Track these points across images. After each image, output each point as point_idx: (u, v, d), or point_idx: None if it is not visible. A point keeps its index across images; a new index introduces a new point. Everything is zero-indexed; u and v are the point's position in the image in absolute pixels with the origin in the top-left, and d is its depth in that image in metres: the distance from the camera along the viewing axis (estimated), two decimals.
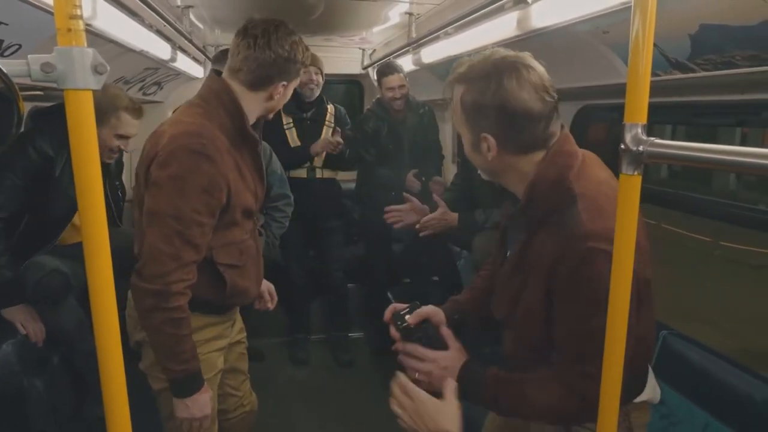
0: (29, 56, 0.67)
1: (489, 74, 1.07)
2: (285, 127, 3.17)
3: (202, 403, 1.45)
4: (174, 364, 1.39)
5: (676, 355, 1.70)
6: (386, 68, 3.18)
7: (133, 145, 2.18)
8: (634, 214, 0.86)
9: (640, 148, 0.82)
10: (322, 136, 3.22)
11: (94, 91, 0.67)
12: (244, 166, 1.49)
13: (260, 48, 1.41)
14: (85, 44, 0.68)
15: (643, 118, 0.83)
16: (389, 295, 3.33)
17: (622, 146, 0.84)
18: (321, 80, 3.15)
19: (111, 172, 2.34)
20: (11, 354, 1.98)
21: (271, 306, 1.91)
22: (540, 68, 1.09)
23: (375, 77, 3.37)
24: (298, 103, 3.17)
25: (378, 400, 3.02)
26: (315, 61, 3.08)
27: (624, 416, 1.19)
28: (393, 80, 3.12)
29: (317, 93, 3.17)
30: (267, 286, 1.90)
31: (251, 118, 1.49)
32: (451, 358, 1.20)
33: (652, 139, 0.81)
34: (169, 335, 1.36)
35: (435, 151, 3.51)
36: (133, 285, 1.36)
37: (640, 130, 0.83)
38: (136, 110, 2.12)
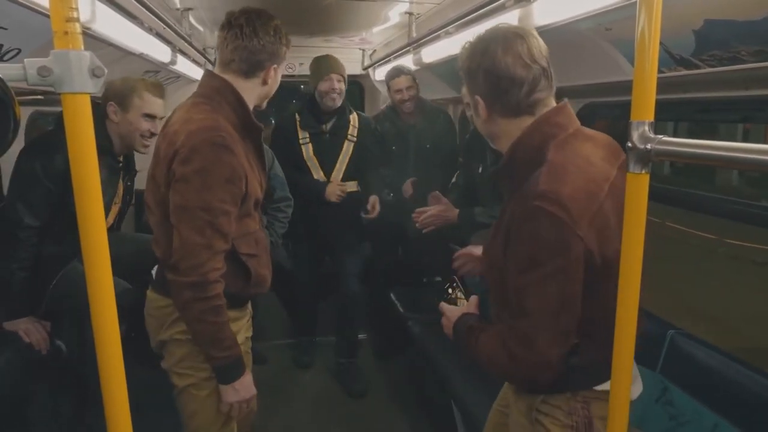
0: (26, 60, 0.66)
1: (483, 40, 1.17)
2: (301, 141, 3.01)
3: (247, 384, 1.53)
4: (218, 351, 1.45)
5: (684, 355, 1.68)
6: (393, 71, 3.17)
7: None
8: (643, 213, 0.85)
9: (648, 146, 0.80)
10: (342, 151, 3.05)
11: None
12: (250, 156, 1.54)
13: (248, 36, 1.47)
14: (82, 47, 0.67)
15: (650, 116, 0.81)
16: (392, 296, 3.32)
17: (629, 144, 0.83)
18: (344, 88, 2.93)
19: (129, 173, 2.31)
20: (14, 360, 1.97)
21: None
22: (533, 40, 1.16)
23: (383, 79, 3.32)
24: (316, 115, 2.99)
25: (380, 402, 3.04)
26: (337, 67, 2.91)
27: (583, 404, 1.18)
28: (400, 82, 3.09)
29: (339, 102, 2.94)
30: None
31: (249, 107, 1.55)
32: (456, 310, 1.39)
33: (660, 136, 0.80)
34: (210, 324, 1.42)
35: (448, 157, 3.29)
36: (171, 281, 1.41)
37: (647, 128, 0.81)
38: (156, 86, 2.11)
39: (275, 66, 1.54)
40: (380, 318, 3.61)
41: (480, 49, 1.16)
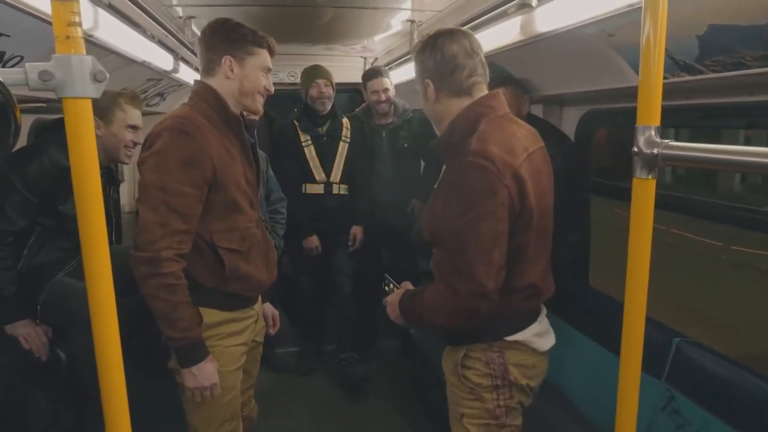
0: (27, 64, 0.66)
1: (433, 36, 1.45)
2: (303, 144, 3.18)
3: (208, 372, 1.51)
4: (174, 331, 1.46)
5: (690, 363, 1.66)
6: (371, 72, 3.23)
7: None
8: (649, 219, 0.83)
9: (655, 150, 0.80)
10: (339, 152, 3.21)
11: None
12: (232, 147, 1.60)
13: (200, 39, 1.63)
14: (84, 52, 0.67)
15: (656, 120, 0.81)
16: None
17: (635, 149, 0.82)
18: (332, 92, 3.15)
19: (112, 184, 2.31)
20: (13, 365, 1.96)
21: (272, 331, 2.01)
22: (473, 37, 1.45)
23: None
24: (312, 118, 3.19)
25: (380, 403, 3.01)
26: (323, 74, 3.10)
27: (498, 353, 1.42)
28: (376, 84, 3.16)
29: (329, 106, 3.16)
30: (271, 311, 1.99)
31: (231, 107, 1.61)
32: (396, 296, 1.58)
33: (666, 141, 0.79)
34: (165, 302, 1.44)
35: (428, 157, 3.37)
36: (131, 256, 1.45)
37: (653, 132, 0.80)
38: (134, 98, 2.14)
39: (230, 57, 1.57)
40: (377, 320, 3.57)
41: (431, 41, 1.44)
